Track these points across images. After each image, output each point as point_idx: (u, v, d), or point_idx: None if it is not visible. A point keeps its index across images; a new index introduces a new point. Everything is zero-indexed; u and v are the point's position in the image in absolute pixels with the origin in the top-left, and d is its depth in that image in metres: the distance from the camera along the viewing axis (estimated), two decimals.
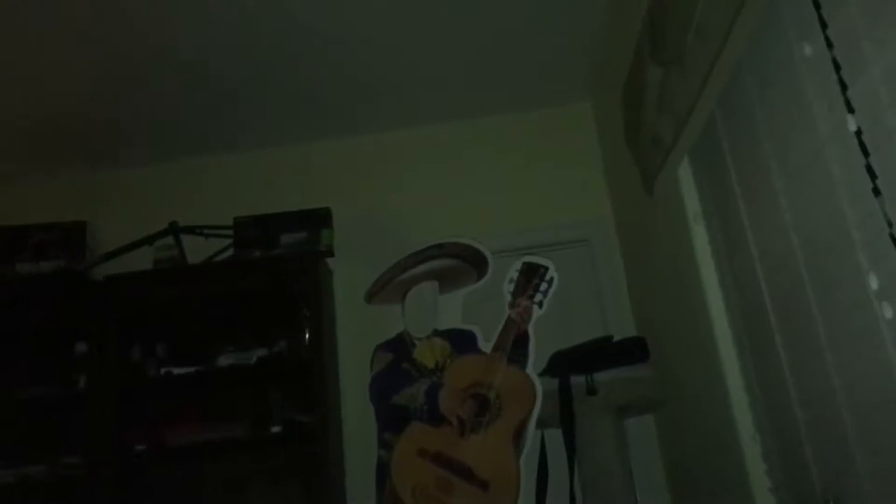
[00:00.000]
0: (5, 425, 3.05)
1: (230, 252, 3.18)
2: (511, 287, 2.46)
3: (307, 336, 2.97)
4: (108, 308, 3.01)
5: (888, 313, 1.29)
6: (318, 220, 3.18)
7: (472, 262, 2.58)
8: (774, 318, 1.83)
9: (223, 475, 2.99)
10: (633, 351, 2.53)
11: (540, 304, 2.42)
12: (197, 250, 3.21)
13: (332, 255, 3.18)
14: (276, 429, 2.92)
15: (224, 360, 3.00)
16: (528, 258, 2.51)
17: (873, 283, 1.32)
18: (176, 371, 2.99)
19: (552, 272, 2.44)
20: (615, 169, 3.23)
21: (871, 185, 1.31)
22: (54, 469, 2.88)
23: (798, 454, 1.76)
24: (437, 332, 2.54)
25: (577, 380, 2.44)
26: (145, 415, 2.99)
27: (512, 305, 2.43)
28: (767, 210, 1.76)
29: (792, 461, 1.82)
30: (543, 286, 2.42)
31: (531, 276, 2.45)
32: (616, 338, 2.72)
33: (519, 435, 2.32)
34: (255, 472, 2.98)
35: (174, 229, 3.20)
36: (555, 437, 2.52)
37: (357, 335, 3.11)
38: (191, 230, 3.21)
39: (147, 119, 3.26)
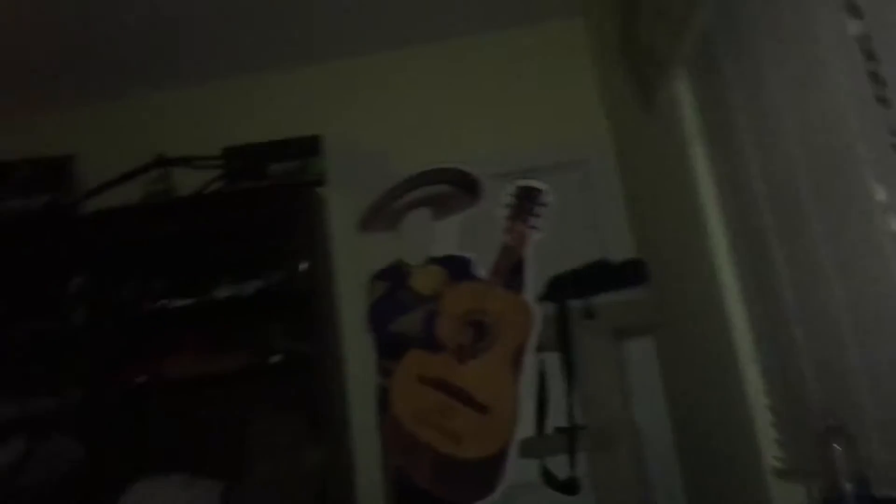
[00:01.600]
0: (8, 358, 3.06)
1: (220, 184, 3.12)
2: (506, 211, 2.41)
3: (302, 266, 2.94)
4: (100, 243, 2.97)
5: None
6: (308, 148, 3.11)
7: (465, 188, 2.52)
8: (775, 237, 1.79)
9: (225, 405, 3.02)
10: (631, 273, 2.49)
11: (536, 228, 2.37)
12: (187, 182, 3.14)
13: (322, 183, 3.12)
14: (275, 359, 2.92)
15: (220, 292, 2.98)
16: (523, 181, 2.45)
17: (880, 196, 1.27)
18: (173, 304, 2.97)
19: (547, 195, 2.38)
20: (612, 87, 3.12)
21: (874, 93, 1.24)
22: (58, 401, 2.91)
23: (797, 373, 1.75)
24: (432, 260, 2.51)
25: (575, 304, 2.41)
26: (144, 348, 3.00)
27: (507, 231, 2.39)
28: (768, 123, 1.69)
29: (791, 380, 1.81)
30: (538, 210, 2.37)
31: (526, 200, 2.39)
32: (614, 261, 2.68)
33: (518, 360, 2.31)
34: (258, 402, 3.00)
35: (162, 161, 3.12)
36: (554, 361, 2.52)
37: (354, 264, 3.07)
38: (179, 162, 3.14)
39: (131, 49, 3.13)
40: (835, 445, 1.39)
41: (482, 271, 2.43)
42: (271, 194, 3.02)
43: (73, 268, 3.01)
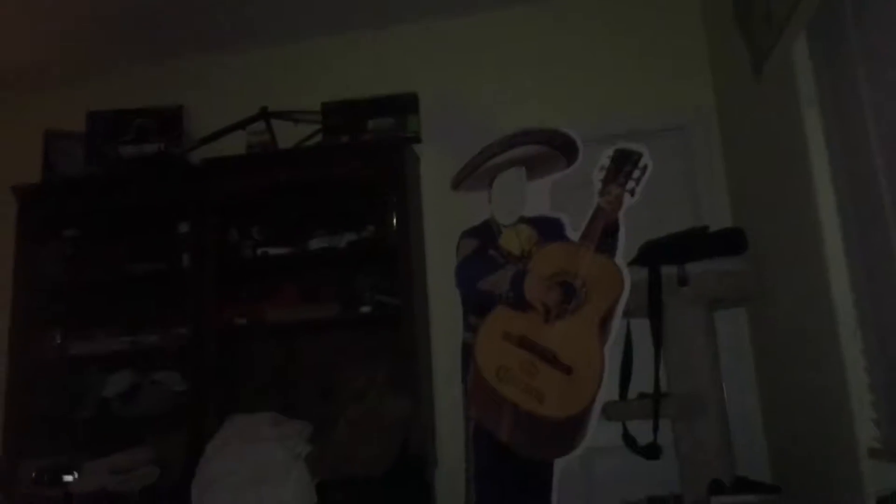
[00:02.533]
0: (119, 297, 3.30)
1: (319, 137, 3.21)
2: (601, 174, 2.38)
3: (394, 221, 3.00)
4: (206, 190, 3.12)
5: None
6: (405, 105, 3.15)
7: (561, 149, 2.50)
8: (891, 213, 1.70)
9: (317, 350, 3.15)
10: (729, 242, 2.43)
11: (632, 193, 2.33)
12: (287, 136, 3.25)
13: (418, 141, 3.16)
14: (365, 309, 3.02)
15: (316, 244, 3.09)
16: (621, 144, 2.41)
17: None
18: (271, 252, 3.10)
19: (646, 159, 2.33)
20: (720, 51, 3.00)
21: None
22: (165, 338, 3.11)
23: None
24: (523, 220, 2.52)
25: (668, 270, 2.37)
26: (244, 292, 3.16)
27: (602, 193, 2.36)
28: (894, 89, 1.60)
29: None
30: (636, 173, 2.33)
31: (623, 163, 2.35)
32: (712, 228, 2.62)
33: (605, 323, 2.31)
34: (347, 350, 3.12)
35: (265, 114, 3.24)
36: (641, 326, 2.50)
37: (444, 221, 3.11)
38: (281, 115, 3.24)
39: (237, 4, 3.23)
40: None
41: (574, 233, 2.42)
42: (369, 150, 3.09)
43: (181, 213, 3.18)
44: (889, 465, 1.83)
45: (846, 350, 1.95)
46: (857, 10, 1.76)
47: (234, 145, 3.24)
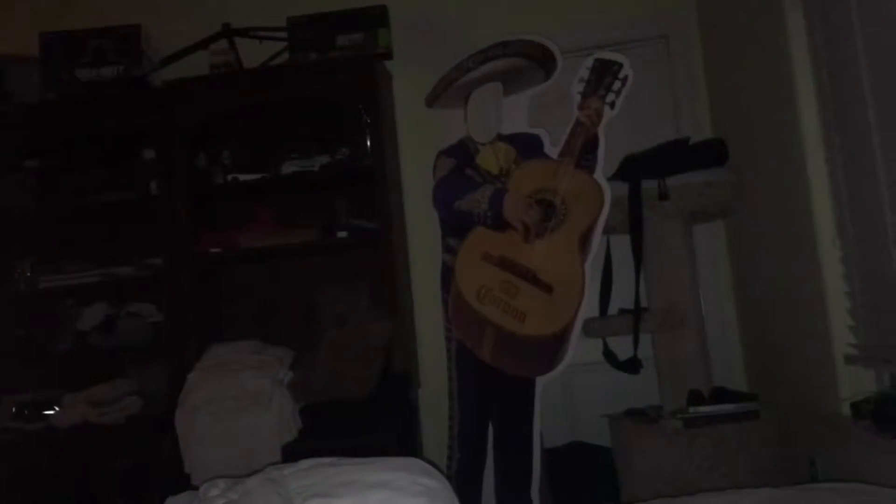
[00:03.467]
0: (88, 229, 3.20)
1: (286, 56, 3.07)
2: (581, 87, 2.32)
3: (368, 143, 2.91)
4: (170, 115, 2.99)
5: None
6: (374, 19, 3.00)
7: (538, 61, 2.42)
8: (875, 116, 1.67)
9: (296, 276, 3.11)
10: (710, 153, 2.39)
11: (612, 105, 2.28)
12: (253, 55, 3.10)
13: (389, 57, 3.03)
14: (341, 234, 2.97)
15: (288, 167, 2.99)
16: (601, 54, 2.33)
17: None
18: (242, 178, 3.01)
19: (627, 69, 2.27)
20: None
21: None
22: (139, 269, 3.04)
23: (882, 260, 1.67)
24: (501, 137, 2.46)
25: (649, 184, 2.34)
26: (218, 220, 3.08)
27: (581, 107, 2.31)
28: None
29: (875, 267, 1.74)
30: (616, 85, 2.27)
31: (603, 75, 2.29)
32: (693, 140, 2.57)
33: (585, 240, 2.30)
34: (327, 275, 3.08)
35: (228, 32, 3.08)
36: (621, 242, 2.49)
37: (419, 140, 3.03)
38: (245, 32, 3.09)
39: None
40: None
41: (553, 149, 2.37)
42: (338, 67, 2.95)
43: (146, 140, 3.06)
44: (864, 371, 1.87)
45: (824, 257, 1.95)
46: None
47: (196, 66, 3.09)
